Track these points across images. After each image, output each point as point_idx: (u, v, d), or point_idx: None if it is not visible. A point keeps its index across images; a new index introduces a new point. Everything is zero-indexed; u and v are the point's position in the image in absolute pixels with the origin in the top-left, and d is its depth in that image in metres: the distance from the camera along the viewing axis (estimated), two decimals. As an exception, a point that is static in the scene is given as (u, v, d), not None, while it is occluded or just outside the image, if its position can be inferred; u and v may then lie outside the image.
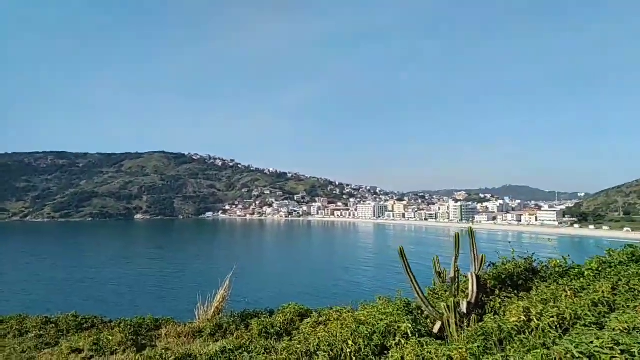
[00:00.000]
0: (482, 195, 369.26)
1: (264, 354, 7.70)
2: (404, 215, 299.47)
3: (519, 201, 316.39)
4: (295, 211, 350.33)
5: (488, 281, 7.41)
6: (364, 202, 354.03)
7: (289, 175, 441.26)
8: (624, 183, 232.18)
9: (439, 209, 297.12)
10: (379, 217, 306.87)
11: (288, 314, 10.57)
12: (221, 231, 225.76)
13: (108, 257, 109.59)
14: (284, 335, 9.28)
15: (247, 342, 8.20)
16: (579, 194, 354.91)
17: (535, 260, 8.50)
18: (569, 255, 8.44)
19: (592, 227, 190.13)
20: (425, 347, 5.52)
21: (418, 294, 6.99)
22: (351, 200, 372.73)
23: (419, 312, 8.13)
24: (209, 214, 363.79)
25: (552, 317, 5.51)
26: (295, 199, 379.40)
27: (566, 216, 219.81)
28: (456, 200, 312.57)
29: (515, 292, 7.21)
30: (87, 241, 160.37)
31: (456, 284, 7.57)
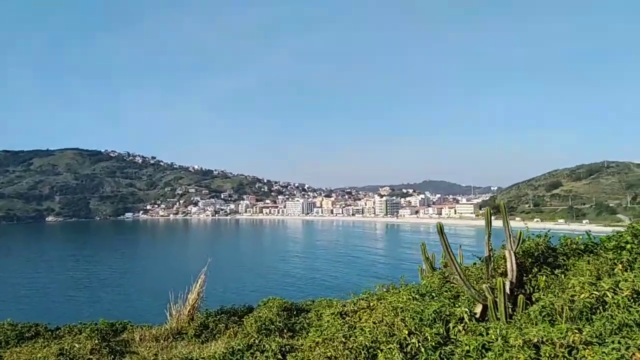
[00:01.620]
0: (404, 190, 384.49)
1: (282, 353, 6.76)
2: (332, 211, 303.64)
3: (439, 195, 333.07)
4: (222, 210, 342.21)
5: (525, 259, 6.98)
6: (292, 199, 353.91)
7: (215, 172, 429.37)
8: (534, 177, 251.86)
9: (365, 204, 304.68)
10: (308, 213, 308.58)
11: (274, 308, 9.65)
12: (143, 232, 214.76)
13: (32, 260, 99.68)
14: (286, 331, 8.36)
15: (255, 341, 7.18)
16: (492, 188, 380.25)
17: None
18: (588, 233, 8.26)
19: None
20: (502, 329, 4.95)
21: (459, 275, 6.43)
22: (280, 197, 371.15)
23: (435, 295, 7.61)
24: (129, 214, 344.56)
25: (627, 290, 5.14)
26: (222, 197, 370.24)
27: (482, 209, 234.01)
28: (381, 196, 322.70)
29: (550, 269, 6.86)
30: (2, 244, 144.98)
31: (492, 264, 7.06)
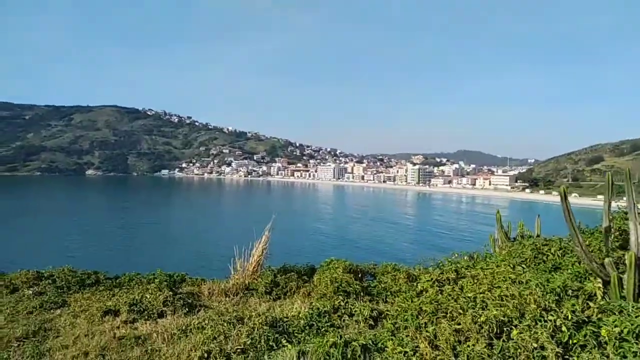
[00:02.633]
0: (438, 160, 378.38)
1: (372, 318, 6.32)
2: (363, 178, 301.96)
3: (473, 166, 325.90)
4: (254, 171, 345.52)
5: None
6: (324, 163, 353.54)
7: (249, 134, 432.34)
8: (573, 150, 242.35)
9: (397, 171, 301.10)
10: (339, 178, 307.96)
11: (339, 269, 9.20)
12: (181, 188, 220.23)
13: (82, 211, 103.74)
14: (362, 294, 7.92)
15: (341, 303, 6.75)
16: (529, 160, 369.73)
17: None
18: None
19: (542, 192, 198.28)
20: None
21: (581, 247, 5.72)
22: (311, 161, 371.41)
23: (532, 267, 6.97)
24: (165, 171, 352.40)
25: None
26: (255, 158, 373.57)
27: (518, 181, 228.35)
28: (414, 164, 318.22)
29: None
30: (49, 195, 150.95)
31: (611, 236, 6.30)
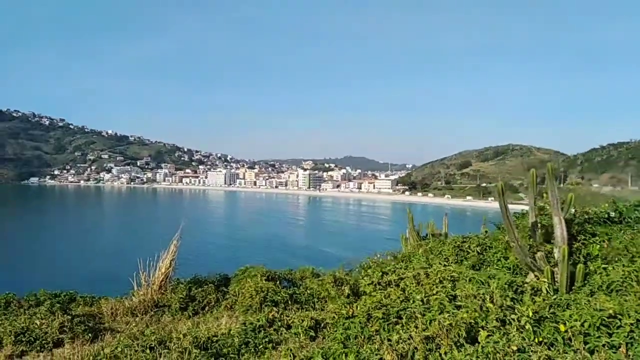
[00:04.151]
0: (327, 165, 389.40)
1: (312, 329, 5.83)
2: (255, 183, 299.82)
3: (359, 170, 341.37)
4: (138, 177, 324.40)
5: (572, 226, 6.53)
6: (214, 169, 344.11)
7: (131, 138, 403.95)
8: (446, 156, 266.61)
9: (289, 177, 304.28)
10: (231, 184, 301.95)
11: (257, 277, 8.57)
12: (54, 199, 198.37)
13: None
14: (290, 303, 7.37)
15: (275, 315, 6.13)
16: (407, 165, 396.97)
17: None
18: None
19: (420, 194, 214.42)
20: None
21: (517, 242, 5.81)
22: (201, 167, 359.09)
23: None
24: (34, 179, 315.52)
25: None
26: (139, 164, 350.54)
27: (399, 184, 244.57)
28: (304, 169, 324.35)
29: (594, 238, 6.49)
30: None
31: (539, 231, 6.52)
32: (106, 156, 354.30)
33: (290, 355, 4.13)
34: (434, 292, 5.03)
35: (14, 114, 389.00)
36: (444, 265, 6.53)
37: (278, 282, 9.30)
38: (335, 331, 5.61)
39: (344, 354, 4.44)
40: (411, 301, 5.08)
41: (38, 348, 5.97)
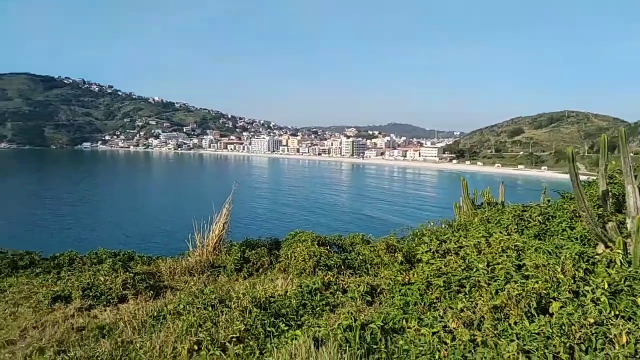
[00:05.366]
0: (370, 132, 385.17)
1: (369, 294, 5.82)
2: (298, 150, 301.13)
3: (404, 138, 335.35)
4: (185, 144, 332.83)
5: None
6: (257, 136, 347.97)
7: (177, 105, 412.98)
8: (496, 123, 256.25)
9: (332, 144, 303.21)
10: (274, 151, 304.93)
11: (308, 242, 8.60)
12: (108, 163, 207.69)
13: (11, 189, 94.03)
14: (343, 268, 7.39)
15: (331, 278, 6.17)
16: (455, 133, 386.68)
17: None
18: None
19: (468, 162, 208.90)
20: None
21: (587, 211, 5.49)
22: (244, 134, 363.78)
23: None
24: (86, 144, 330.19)
25: None
26: (185, 131, 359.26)
27: (445, 152, 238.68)
28: (347, 137, 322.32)
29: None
30: None
31: (610, 200, 6.14)
32: (153, 122, 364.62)
33: (351, 318, 4.11)
34: (499, 261, 4.85)
35: (65, 81, 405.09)
36: (507, 234, 6.30)
37: (328, 248, 9.37)
38: (392, 297, 5.58)
39: (404, 320, 4.40)
40: (473, 270, 4.93)
41: (104, 302, 6.29)
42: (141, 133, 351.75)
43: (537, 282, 4.07)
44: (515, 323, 3.75)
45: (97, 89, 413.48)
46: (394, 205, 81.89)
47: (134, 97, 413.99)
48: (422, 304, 4.85)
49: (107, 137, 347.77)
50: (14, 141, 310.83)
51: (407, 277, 5.95)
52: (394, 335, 4.13)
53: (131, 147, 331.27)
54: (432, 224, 8.65)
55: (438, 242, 5.98)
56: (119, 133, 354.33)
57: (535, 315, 3.79)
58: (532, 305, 3.85)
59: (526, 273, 4.46)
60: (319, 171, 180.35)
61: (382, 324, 4.13)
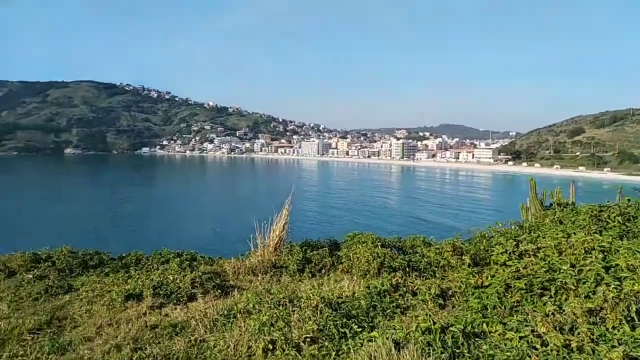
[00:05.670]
0: (421, 134, 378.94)
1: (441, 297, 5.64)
2: (347, 153, 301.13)
3: (456, 139, 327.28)
4: (237, 148, 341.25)
5: None
6: (307, 139, 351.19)
7: (230, 110, 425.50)
8: (554, 123, 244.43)
9: (381, 146, 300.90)
10: (323, 154, 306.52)
11: (368, 244, 8.44)
12: (166, 167, 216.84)
13: (69, 191, 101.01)
14: (408, 270, 7.20)
15: (399, 280, 6.02)
16: (510, 133, 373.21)
17: None
18: None
19: (524, 164, 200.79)
20: None
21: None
22: (295, 137, 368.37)
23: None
24: (145, 149, 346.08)
25: None
26: (237, 135, 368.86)
27: (501, 154, 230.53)
28: (397, 138, 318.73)
29: None
30: (30, 176, 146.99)
31: None
32: (208, 127, 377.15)
33: (430, 321, 3.96)
34: (585, 262, 4.53)
35: (126, 88, 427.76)
36: (591, 234, 5.91)
37: (389, 249, 9.19)
38: (466, 300, 5.37)
39: (484, 323, 4.19)
40: (557, 272, 4.64)
41: (174, 301, 6.43)
42: (196, 138, 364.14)
43: (634, 284, 3.75)
44: (614, 327, 3.47)
45: (155, 95, 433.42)
46: (447, 208, 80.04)
47: (190, 102, 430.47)
48: (502, 307, 4.62)
49: (164, 142, 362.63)
50: (79, 147, 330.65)
51: (479, 279, 5.73)
52: (476, 339, 3.94)
53: (187, 151, 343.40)
54: (500, 225, 8.28)
55: (515, 243, 5.69)
56: (175, 138, 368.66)
57: (637, 319, 3.49)
58: (632, 309, 3.55)
59: (619, 275, 4.14)
60: (368, 174, 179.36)
61: (463, 328, 3.96)
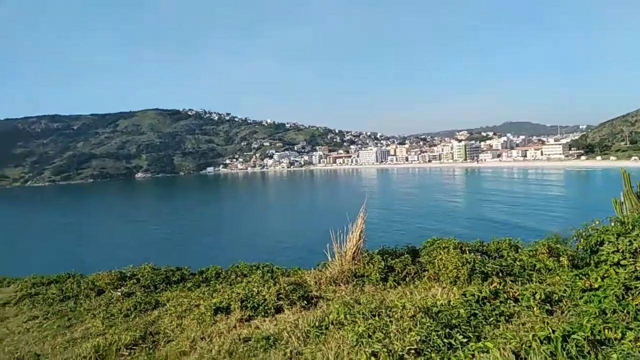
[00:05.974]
0: (483, 134, 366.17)
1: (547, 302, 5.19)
2: (407, 159, 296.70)
3: (522, 137, 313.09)
4: (296, 161, 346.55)
5: None
6: (365, 148, 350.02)
7: (287, 125, 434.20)
8: (629, 112, 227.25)
9: (442, 149, 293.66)
10: (382, 162, 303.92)
11: (450, 249, 7.97)
12: (227, 184, 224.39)
13: (144, 213, 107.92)
14: (502, 275, 6.74)
15: (498, 286, 5.63)
16: (580, 127, 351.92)
17: None
18: None
19: (599, 157, 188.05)
20: None
21: None
22: (352, 147, 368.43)
23: None
24: (210, 169, 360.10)
25: None
26: (296, 149, 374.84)
27: (572, 149, 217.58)
28: (459, 140, 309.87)
29: None
30: (109, 200, 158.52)
31: None
32: (267, 143, 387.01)
33: (548, 329, 3.59)
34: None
35: (189, 112, 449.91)
36: None
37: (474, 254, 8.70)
38: (575, 305, 4.89)
39: (606, 329, 3.75)
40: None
41: (262, 313, 6.41)
42: (257, 154, 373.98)
43: None
44: None
45: (216, 117, 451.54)
46: (519, 207, 76.30)
47: (249, 122, 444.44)
48: (624, 311, 4.13)
49: (227, 161, 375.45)
50: (148, 170, 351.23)
51: (587, 282, 5.23)
52: (602, 347, 3.52)
53: (249, 168, 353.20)
54: (598, 222, 7.57)
55: (628, 241, 5.13)
56: (237, 156, 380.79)
57: None
58: None
59: None
60: (430, 178, 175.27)
61: (586, 335, 3.55)
